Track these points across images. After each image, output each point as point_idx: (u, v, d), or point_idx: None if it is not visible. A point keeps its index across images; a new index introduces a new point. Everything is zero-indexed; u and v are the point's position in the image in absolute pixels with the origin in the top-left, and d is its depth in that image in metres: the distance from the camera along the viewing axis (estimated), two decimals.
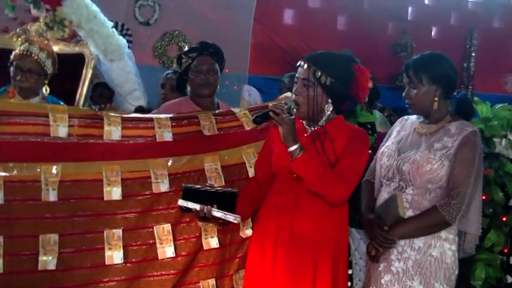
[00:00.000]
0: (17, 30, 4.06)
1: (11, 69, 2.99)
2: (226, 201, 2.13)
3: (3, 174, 2.15)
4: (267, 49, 6.07)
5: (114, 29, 4.30)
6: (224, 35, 5.44)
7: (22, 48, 3.03)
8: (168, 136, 2.39)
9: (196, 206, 2.12)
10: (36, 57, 2.97)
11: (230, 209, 2.13)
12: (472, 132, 2.28)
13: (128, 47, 4.56)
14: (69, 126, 2.26)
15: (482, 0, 7.17)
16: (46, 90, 3.05)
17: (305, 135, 2.22)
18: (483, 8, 7.12)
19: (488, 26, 7.14)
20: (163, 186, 2.33)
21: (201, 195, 2.13)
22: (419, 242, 2.27)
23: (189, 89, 3.08)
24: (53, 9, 4.00)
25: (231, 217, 2.11)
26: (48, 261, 2.17)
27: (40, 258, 2.16)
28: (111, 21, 4.35)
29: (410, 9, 6.98)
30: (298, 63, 2.21)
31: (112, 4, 5.07)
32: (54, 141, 2.23)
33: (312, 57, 2.20)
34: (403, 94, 2.38)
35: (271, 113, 2.08)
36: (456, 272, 2.32)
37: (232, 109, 2.68)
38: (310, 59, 2.18)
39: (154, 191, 2.32)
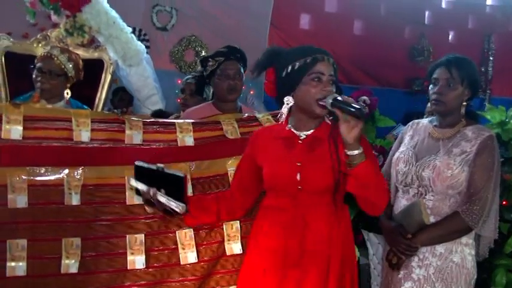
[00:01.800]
0: (38, 36, 4.11)
1: (34, 72, 3.05)
2: (173, 185, 1.98)
3: (27, 178, 2.17)
4: None
5: (132, 35, 4.34)
6: (240, 40, 5.43)
7: (44, 51, 3.12)
8: (189, 141, 2.38)
9: (143, 187, 2.01)
10: (56, 59, 3.03)
11: (178, 195, 1.98)
12: (489, 136, 2.27)
13: (146, 52, 4.60)
14: (91, 130, 2.27)
15: (500, 4, 7.11)
16: (67, 93, 3.10)
17: (299, 141, 2.05)
18: (501, 12, 7.06)
19: (506, 30, 7.08)
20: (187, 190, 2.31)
21: (152, 176, 2.01)
22: (440, 248, 2.26)
23: (211, 91, 3.08)
24: (73, 15, 4.05)
25: (173, 204, 1.98)
26: (70, 264, 2.18)
27: (63, 261, 2.17)
28: (129, 26, 4.39)
29: (427, 13, 6.94)
30: (318, 57, 1.97)
31: (130, 10, 5.12)
32: (77, 145, 2.24)
33: (326, 52, 2.03)
34: (436, 89, 2.30)
35: (355, 110, 1.80)
36: (475, 277, 2.31)
37: (255, 115, 2.63)
38: (329, 54, 2.02)
39: None
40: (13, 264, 2.12)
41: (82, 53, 4.06)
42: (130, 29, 4.33)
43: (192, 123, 2.44)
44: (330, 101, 1.88)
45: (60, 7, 4.03)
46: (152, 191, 1.99)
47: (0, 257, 2.11)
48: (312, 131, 2.05)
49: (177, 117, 3.71)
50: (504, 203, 3.09)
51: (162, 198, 1.99)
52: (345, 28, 6.55)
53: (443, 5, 7.02)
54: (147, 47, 5.06)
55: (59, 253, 2.17)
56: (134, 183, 2.05)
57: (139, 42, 4.44)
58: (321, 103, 1.94)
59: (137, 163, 2.05)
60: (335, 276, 2.02)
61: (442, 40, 6.84)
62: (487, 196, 2.21)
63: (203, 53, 5.76)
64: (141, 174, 2.04)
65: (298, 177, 1.99)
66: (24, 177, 2.16)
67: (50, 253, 2.17)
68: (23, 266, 2.13)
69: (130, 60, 4.25)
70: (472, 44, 6.81)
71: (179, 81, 5.42)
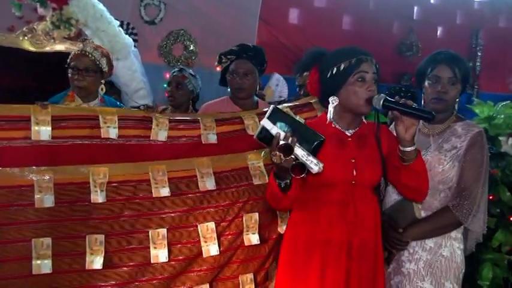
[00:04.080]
0: (24, 29, 4.08)
1: (69, 71, 3.00)
2: (310, 143, 1.83)
3: (53, 177, 2.17)
4: (272, 48, 6.03)
5: (120, 28, 4.31)
6: (229, 34, 5.44)
7: (77, 48, 3.06)
8: (213, 138, 2.41)
9: (280, 131, 1.81)
10: (90, 56, 3.00)
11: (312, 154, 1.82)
12: (479, 132, 2.29)
13: (134, 46, 4.57)
14: (119, 128, 2.28)
15: (488, 0, 7.14)
16: (102, 89, 3.07)
17: (349, 139, 2.11)
18: (489, 8, 7.09)
19: (494, 26, 7.12)
20: (209, 184, 2.34)
21: (289, 125, 1.83)
22: (430, 242, 2.27)
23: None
24: (59, 8, 4.02)
25: (313, 160, 1.80)
26: (95, 260, 2.19)
27: (87, 258, 2.19)
28: (117, 20, 4.36)
29: (416, 8, 6.96)
30: (362, 58, 2.04)
31: (118, 3, 5.06)
32: (103, 143, 2.26)
33: (369, 53, 2.09)
34: (439, 87, 2.29)
35: (424, 115, 1.91)
36: (463, 271, 2.33)
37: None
38: (371, 55, 2.08)
39: (200, 190, 2.33)
40: (39, 262, 2.14)
41: (69, 46, 4.04)
42: (118, 23, 4.31)
43: (215, 119, 2.46)
44: (381, 102, 1.96)
45: (46, 0, 3.99)
46: (292, 138, 1.80)
47: (26, 256, 2.13)
48: (356, 128, 2.14)
49: (165, 109, 3.73)
50: (491, 197, 3.11)
51: (300, 151, 1.80)
52: (334, 23, 6.55)
53: (432, 0, 7.04)
54: (135, 40, 5.02)
55: (83, 250, 2.19)
56: (269, 124, 1.83)
57: (127, 36, 4.42)
58: (364, 101, 2.01)
59: (275, 105, 1.88)
60: (381, 264, 2.16)
61: (430, 35, 6.87)
62: (477, 191, 2.22)
63: (191, 47, 5.74)
64: (274, 116, 1.84)
65: (354, 173, 2.07)
66: (50, 176, 2.17)
67: (74, 250, 2.19)
68: (48, 264, 2.15)
69: (118, 53, 4.22)
70: (460, 39, 6.84)
71: (167, 75, 5.40)
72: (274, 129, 1.83)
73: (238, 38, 5.30)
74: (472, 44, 7.00)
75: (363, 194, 2.11)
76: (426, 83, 2.35)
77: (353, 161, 2.08)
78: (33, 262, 2.13)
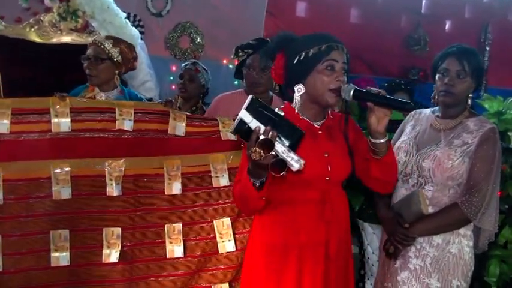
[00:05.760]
0: (30, 21, 4.08)
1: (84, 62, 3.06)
2: (290, 139, 1.70)
3: (70, 169, 2.20)
4: None
5: (127, 20, 4.30)
6: (236, 27, 5.41)
7: (90, 40, 3.16)
8: (232, 135, 2.38)
9: (260, 125, 1.66)
10: (100, 44, 3.04)
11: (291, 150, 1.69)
12: (491, 128, 2.26)
13: (141, 38, 4.55)
14: (135, 121, 2.28)
15: None
16: (116, 79, 3.10)
17: (319, 132, 2.02)
18: (498, 1, 7.01)
19: (503, 19, 7.04)
20: (223, 181, 2.33)
21: (265, 117, 1.68)
22: (438, 238, 2.26)
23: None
24: (66, 0, 4.01)
25: (294, 157, 1.67)
26: (111, 254, 2.21)
27: (104, 251, 2.21)
28: (124, 12, 4.35)
29: (424, 2, 6.89)
30: (333, 45, 1.95)
31: None
32: (119, 136, 2.26)
33: (339, 41, 2.00)
34: (446, 80, 2.26)
35: (403, 105, 1.83)
36: (472, 269, 2.31)
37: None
38: (342, 43, 1.99)
39: (214, 185, 2.33)
40: (57, 254, 2.18)
41: (75, 38, 4.04)
42: (124, 14, 4.30)
43: (233, 118, 2.43)
44: (351, 92, 1.88)
45: None
46: (272, 133, 1.65)
47: (45, 248, 2.17)
48: (324, 120, 2.05)
49: (176, 99, 3.76)
50: (499, 193, 3.08)
51: (280, 147, 1.67)
52: (342, 16, 6.48)
53: None
54: (141, 33, 5.01)
55: (100, 243, 2.22)
56: (247, 117, 1.69)
57: (133, 28, 4.40)
58: (332, 92, 1.92)
59: (253, 96, 1.74)
60: (351, 261, 2.13)
61: (438, 29, 6.79)
62: (487, 188, 2.20)
63: (198, 40, 5.70)
64: (253, 109, 1.69)
65: (329, 168, 1.99)
66: (67, 169, 2.20)
67: (92, 243, 2.22)
68: (66, 256, 2.19)
69: None
70: (469, 33, 6.76)
71: (174, 68, 5.39)
72: (254, 122, 1.69)
73: (245, 30, 5.29)
74: (481, 38, 6.93)
75: (336, 191, 2.06)
76: (436, 77, 2.33)
77: (326, 155, 1.99)
78: (52, 254, 2.17)
